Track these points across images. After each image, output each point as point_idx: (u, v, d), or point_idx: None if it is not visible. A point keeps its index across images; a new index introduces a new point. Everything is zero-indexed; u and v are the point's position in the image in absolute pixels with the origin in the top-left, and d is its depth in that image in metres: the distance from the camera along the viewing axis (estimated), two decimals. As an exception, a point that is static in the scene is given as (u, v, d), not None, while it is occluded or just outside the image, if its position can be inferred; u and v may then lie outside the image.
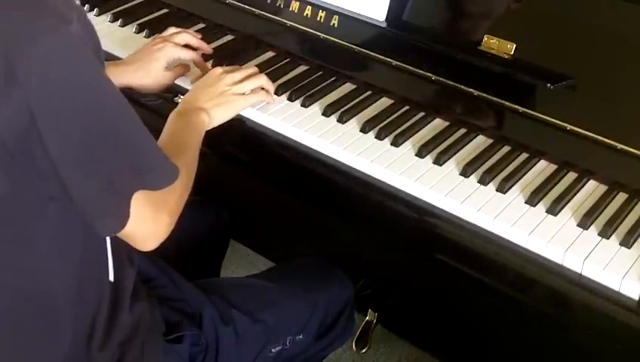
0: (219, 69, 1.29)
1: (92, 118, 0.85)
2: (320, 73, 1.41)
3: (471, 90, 1.26)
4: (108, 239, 1.01)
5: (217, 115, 1.23)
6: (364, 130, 1.26)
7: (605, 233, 1.07)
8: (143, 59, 1.33)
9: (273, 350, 1.25)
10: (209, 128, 1.21)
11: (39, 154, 0.83)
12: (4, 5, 0.79)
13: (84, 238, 0.95)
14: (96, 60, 0.87)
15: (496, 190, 1.16)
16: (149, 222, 0.97)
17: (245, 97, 1.27)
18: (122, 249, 1.07)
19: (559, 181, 1.18)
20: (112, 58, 1.41)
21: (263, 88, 1.31)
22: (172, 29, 1.39)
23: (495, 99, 1.24)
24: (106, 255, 1.02)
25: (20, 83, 0.78)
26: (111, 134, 0.87)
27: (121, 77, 1.28)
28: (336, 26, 1.40)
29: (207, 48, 1.42)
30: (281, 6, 1.46)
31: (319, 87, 1.37)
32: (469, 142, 1.26)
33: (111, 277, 1.03)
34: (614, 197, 1.14)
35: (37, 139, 0.82)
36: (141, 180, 0.92)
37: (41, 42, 0.78)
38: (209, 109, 1.21)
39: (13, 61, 0.78)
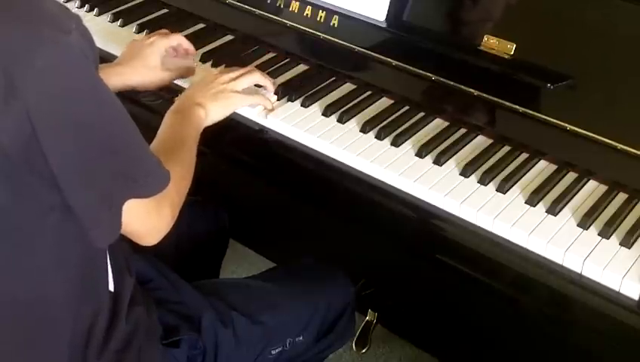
0: (215, 70, 1.29)
1: (91, 130, 0.85)
2: (320, 73, 1.41)
3: (471, 90, 1.26)
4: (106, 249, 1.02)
5: (214, 111, 1.23)
6: (364, 130, 1.26)
7: (605, 233, 1.07)
8: (138, 56, 1.33)
9: (273, 352, 1.24)
10: (206, 125, 1.21)
11: (40, 165, 0.83)
12: (3, 21, 0.79)
13: (82, 248, 0.95)
14: (95, 70, 0.87)
15: (496, 190, 1.15)
16: (152, 217, 0.99)
17: (242, 96, 1.27)
18: (121, 258, 1.07)
19: (559, 181, 1.18)
20: (112, 58, 1.41)
21: (261, 86, 1.32)
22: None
23: (495, 99, 1.24)
24: (106, 265, 1.02)
25: (20, 94, 0.78)
26: (110, 145, 0.88)
27: (118, 78, 1.28)
28: (336, 26, 1.40)
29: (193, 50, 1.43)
30: (281, 6, 1.46)
31: (319, 87, 1.37)
32: (469, 142, 1.25)
33: (111, 287, 1.04)
34: (614, 197, 1.14)
35: (37, 150, 0.82)
36: (135, 189, 0.92)
37: (40, 54, 0.78)
38: (205, 104, 1.21)
39: (13, 74, 0.78)
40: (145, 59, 1.32)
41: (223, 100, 1.24)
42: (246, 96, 1.28)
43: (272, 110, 1.30)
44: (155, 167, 0.95)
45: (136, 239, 1.00)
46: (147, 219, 0.98)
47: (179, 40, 1.39)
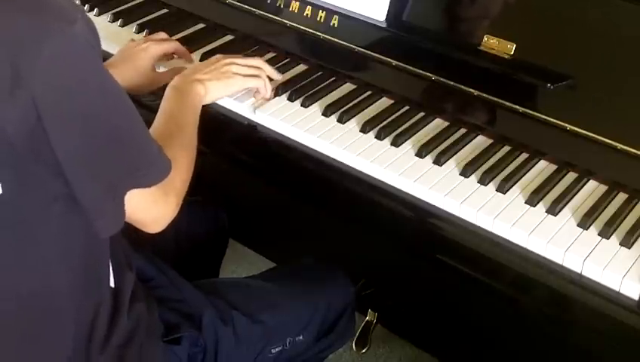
0: (219, 55, 1.31)
1: (97, 120, 0.85)
2: (320, 73, 1.41)
3: (471, 90, 1.26)
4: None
5: (213, 89, 1.24)
6: (364, 130, 1.26)
7: (605, 233, 1.07)
8: (130, 61, 1.33)
9: (273, 351, 1.25)
10: (205, 103, 1.22)
11: (45, 152, 0.83)
12: (9, 11, 0.79)
13: (86, 238, 0.96)
14: (100, 60, 0.87)
15: (496, 190, 1.15)
16: (159, 206, 1.00)
17: (243, 78, 1.28)
18: (120, 255, 1.07)
19: (559, 181, 1.18)
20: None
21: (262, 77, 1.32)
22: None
23: (495, 99, 1.24)
24: (107, 260, 1.03)
25: (26, 83, 0.78)
26: (115, 137, 0.88)
27: None
28: (336, 26, 1.40)
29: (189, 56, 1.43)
30: (281, 6, 1.46)
31: (319, 87, 1.37)
32: (469, 142, 1.25)
33: (112, 283, 1.04)
34: (614, 197, 1.14)
35: (43, 139, 0.82)
36: (138, 179, 0.93)
37: (47, 44, 0.78)
38: (205, 81, 1.23)
39: (20, 65, 0.78)
40: (137, 64, 1.32)
41: (223, 80, 1.25)
42: (247, 80, 1.29)
43: (268, 99, 1.31)
44: (157, 157, 0.96)
45: (141, 227, 1.02)
46: (154, 208, 0.99)
47: (174, 46, 1.39)
